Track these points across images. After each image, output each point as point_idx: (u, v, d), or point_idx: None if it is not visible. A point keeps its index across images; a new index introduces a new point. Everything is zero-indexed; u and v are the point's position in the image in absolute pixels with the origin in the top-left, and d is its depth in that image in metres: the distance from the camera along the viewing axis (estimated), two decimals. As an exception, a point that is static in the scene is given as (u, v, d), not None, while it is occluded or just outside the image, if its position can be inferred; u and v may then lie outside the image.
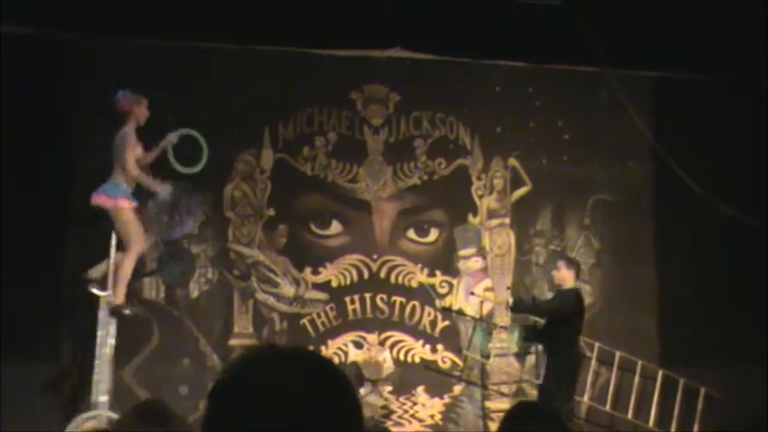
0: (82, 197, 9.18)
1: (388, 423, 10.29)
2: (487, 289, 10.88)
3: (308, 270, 10.53)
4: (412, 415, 10.54)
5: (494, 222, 10.99)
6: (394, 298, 10.65)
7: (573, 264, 10.04)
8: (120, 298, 8.87)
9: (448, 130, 10.99)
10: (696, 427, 10.58)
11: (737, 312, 10.66)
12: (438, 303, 10.74)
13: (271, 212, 10.51)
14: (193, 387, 9.91)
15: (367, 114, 10.84)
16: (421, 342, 10.68)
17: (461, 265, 10.87)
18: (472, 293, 10.81)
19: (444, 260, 10.85)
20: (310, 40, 10.35)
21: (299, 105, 10.67)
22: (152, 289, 10.17)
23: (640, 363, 10.61)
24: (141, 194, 9.12)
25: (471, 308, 10.77)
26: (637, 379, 10.60)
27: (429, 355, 10.69)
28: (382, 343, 10.55)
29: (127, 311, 8.95)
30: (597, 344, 10.45)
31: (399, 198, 10.81)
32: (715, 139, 10.76)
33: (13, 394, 9.11)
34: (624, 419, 10.56)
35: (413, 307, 10.68)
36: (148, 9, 9.65)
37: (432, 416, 10.60)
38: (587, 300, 10.73)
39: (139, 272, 9.66)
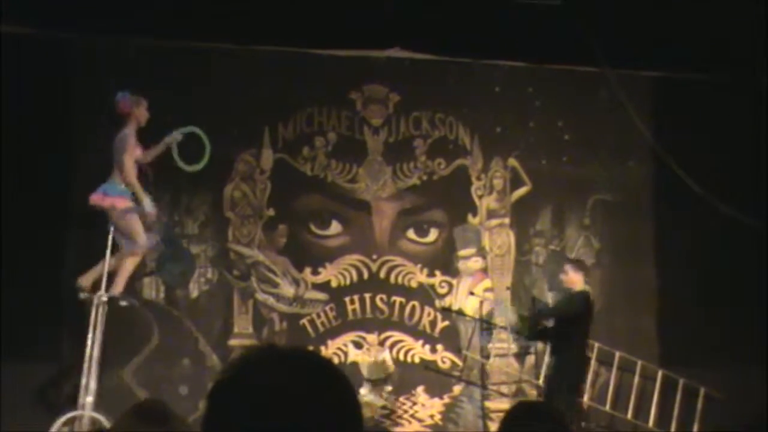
0: (82, 197, 9.17)
1: (388, 423, 10.30)
2: (486, 289, 10.88)
3: (308, 270, 10.53)
4: (412, 415, 10.54)
5: (494, 222, 10.99)
6: (393, 298, 10.65)
7: (580, 266, 10.02)
8: (118, 289, 8.84)
9: (447, 130, 10.99)
10: (696, 427, 10.58)
11: (737, 312, 10.66)
12: (438, 303, 10.74)
13: (271, 212, 10.51)
14: (192, 387, 9.91)
15: (367, 114, 10.84)
16: (420, 342, 10.68)
17: (461, 265, 10.87)
18: (472, 293, 10.81)
19: (444, 260, 10.85)
20: (310, 40, 10.36)
21: (299, 105, 10.67)
22: (152, 289, 10.17)
23: (639, 363, 10.61)
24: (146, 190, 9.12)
25: (470, 308, 10.77)
26: (636, 379, 10.60)
27: (429, 355, 10.69)
28: (381, 343, 10.55)
29: (123, 302, 8.93)
30: (597, 344, 10.45)
31: (399, 198, 10.81)
32: (715, 139, 10.76)
33: (13, 394, 9.11)
34: (624, 419, 10.56)
35: (413, 308, 10.68)
36: (148, 9, 9.65)
37: (432, 416, 10.60)
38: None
39: (139, 272, 9.66)
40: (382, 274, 10.68)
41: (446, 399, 10.66)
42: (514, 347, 10.80)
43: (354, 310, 10.57)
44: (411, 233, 10.84)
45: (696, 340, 10.61)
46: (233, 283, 10.37)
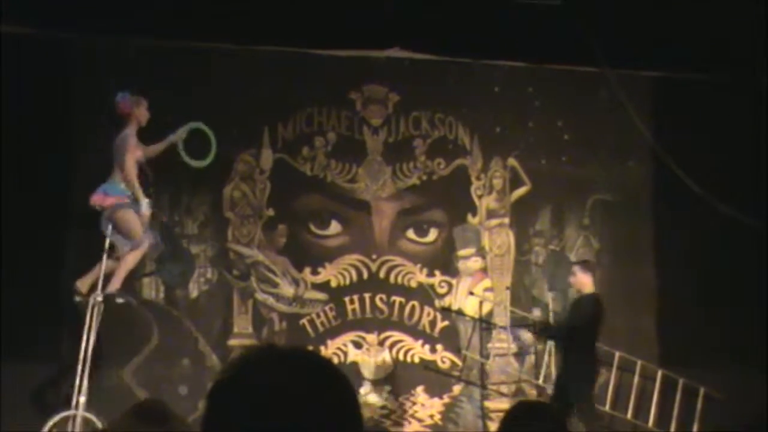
0: (82, 197, 9.17)
1: (388, 423, 10.30)
2: (486, 289, 10.88)
3: (307, 270, 10.53)
4: (412, 415, 10.54)
5: (493, 222, 10.99)
6: (393, 298, 10.65)
7: (589, 267, 10.00)
8: (115, 285, 8.83)
9: (447, 130, 10.99)
10: (695, 428, 10.58)
11: (737, 312, 10.66)
12: (437, 303, 10.74)
13: (271, 212, 10.51)
14: (192, 387, 9.91)
15: (367, 114, 10.84)
16: (420, 342, 10.68)
17: (460, 265, 10.87)
18: (471, 293, 10.81)
19: (443, 260, 10.85)
20: (309, 40, 10.36)
21: (299, 105, 10.67)
22: (152, 289, 10.17)
23: (639, 363, 10.61)
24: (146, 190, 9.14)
25: (470, 308, 10.77)
26: (636, 379, 10.60)
27: (428, 355, 10.69)
28: (381, 343, 10.56)
29: (119, 299, 8.92)
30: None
31: (398, 198, 10.81)
32: (715, 139, 10.76)
33: (13, 394, 9.11)
34: (623, 419, 10.56)
35: (412, 307, 10.68)
36: (148, 9, 9.65)
37: (431, 416, 10.61)
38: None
39: (138, 272, 9.66)
40: (382, 274, 10.68)
41: (446, 399, 10.66)
42: (513, 347, 10.80)
43: (354, 310, 10.58)
44: (411, 233, 10.84)
45: (696, 340, 10.61)
46: (233, 283, 10.37)
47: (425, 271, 10.77)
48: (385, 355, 10.50)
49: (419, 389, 10.60)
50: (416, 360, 10.66)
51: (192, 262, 10.31)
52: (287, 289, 10.43)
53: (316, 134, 10.71)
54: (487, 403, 10.67)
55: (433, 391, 10.63)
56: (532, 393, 10.54)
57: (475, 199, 10.99)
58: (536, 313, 10.76)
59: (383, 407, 10.40)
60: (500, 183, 11.06)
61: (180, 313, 10.21)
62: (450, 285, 10.82)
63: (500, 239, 10.99)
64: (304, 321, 10.47)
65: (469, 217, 10.96)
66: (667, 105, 11.18)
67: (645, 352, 10.77)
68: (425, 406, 10.60)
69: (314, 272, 10.55)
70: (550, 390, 10.37)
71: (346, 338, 10.52)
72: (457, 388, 10.69)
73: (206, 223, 10.42)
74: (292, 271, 10.48)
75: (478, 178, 11.03)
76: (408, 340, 10.65)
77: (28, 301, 9.22)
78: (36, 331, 9.31)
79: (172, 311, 10.19)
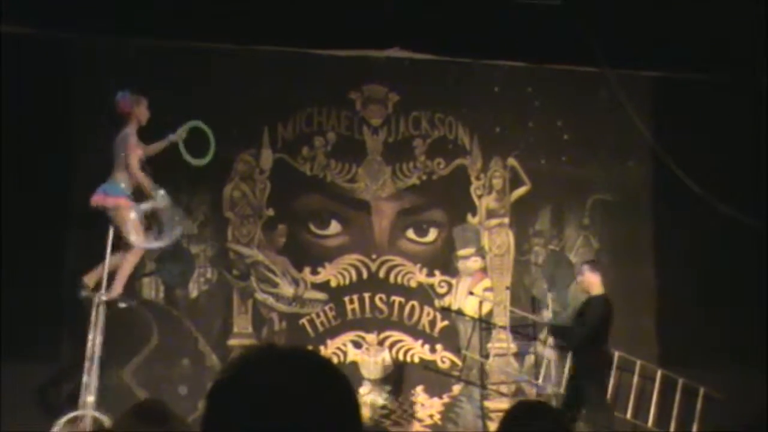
0: (82, 197, 9.17)
1: (388, 423, 10.30)
2: (486, 289, 10.88)
3: (307, 270, 10.53)
4: (412, 415, 10.55)
5: (493, 222, 11.00)
6: (393, 297, 10.65)
7: (597, 267, 9.98)
8: (117, 290, 8.85)
9: (447, 130, 11.00)
10: (695, 428, 10.57)
11: (737, 312, 10.66)
12: (437, 303, 10.74)
13: (271, 212, 10.51)
14: (192, 387, 9.91)
15: (367, 114, 10.84)
16: (420, 342, 10.68)
17: (460, 264, 10.87)
18: (471, 293, 10.82)
19: (443, 260, 10.86)
20: (309, 40, 10.36)
21: (298, 105, 10.67)
22: (151, 289, 10.17)
23: (639, 363, 10.60)
24: (139, 195, 9.13)
25: (470, 308, 10.77)
26: (636, 379, 10.59)
27: (428, 355, 10.69)
28: (381, 343, 10.56)
29: (122, 304, 8.94)
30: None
31: (398, 198, 10.81)
32: (715, 139, 10.77)
33: (13, 394, 9.11)
34: (623, 419, 10.55)
35: (412, 307, 10.68)
36: (148, 9, 9.65)
37: (431, 416, 10.61)
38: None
39: (138, 272, 9.66)
40: (382, 274, 10.68)
41: (446, 399, 10.66)
42: (513, 347, 10.80)
43: (353, 310, 10.58)
44: (410, 233, 10.84)
45: (695, 340, 10.61)
46: (233, 282, 10.37)
47: (425, 271, 10.77)
48: (385, 355, 10.50)
49: (419, 389, 10.60)
50: (416, 360, 10.67)
51: (192, 262, 10.31)
52: (287, 289, 10.43)
53: (315, 134, 10.71)
54: (487, 403, 10.67)
55: (433, 391, 10.63)
56: (531, 393, 10.54)
57: (475, 199, 10.99)
58: (545, 314, 10.72)
59: (383, 407, 10.41)
60: (500, 183, 11.06)
61: (180, 313, 10.21)
62: (450, 285, 10.82)
63: (500, 239, 11.00)
64: (303, 321, 10.47)
65: (469, 217, 10.97)
66: (667, 105, 11.19)
67: (644, 352, 10.77)
68: (425, 405, 10.60)
69: (314, 272, 10.55)
70: (550, 390, 10.38)
71: (346, 338, 10.52)
72: (456, 388, 10.70)
73: (206, 223, 10.42)
74: (291, 271, 10.48)
75: (477, 178, 11.03)
76: (408, 340, 10.66)
77: (28, 301, 9.22)
78: (36, 331, 9.31)
79: (172, 311, 10.19)
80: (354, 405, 1.68)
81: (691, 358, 10.65)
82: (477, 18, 10.30)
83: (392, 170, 10.82)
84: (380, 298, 10.63)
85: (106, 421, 8.12)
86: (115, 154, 8.87)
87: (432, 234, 10.90)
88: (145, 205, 8.78)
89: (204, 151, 9.16)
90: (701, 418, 10.54)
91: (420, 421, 10.56)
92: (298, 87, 10.64)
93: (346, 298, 10.57)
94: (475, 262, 10.91)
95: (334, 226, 10.71)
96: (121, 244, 8.88)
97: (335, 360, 9.87)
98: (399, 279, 10.71)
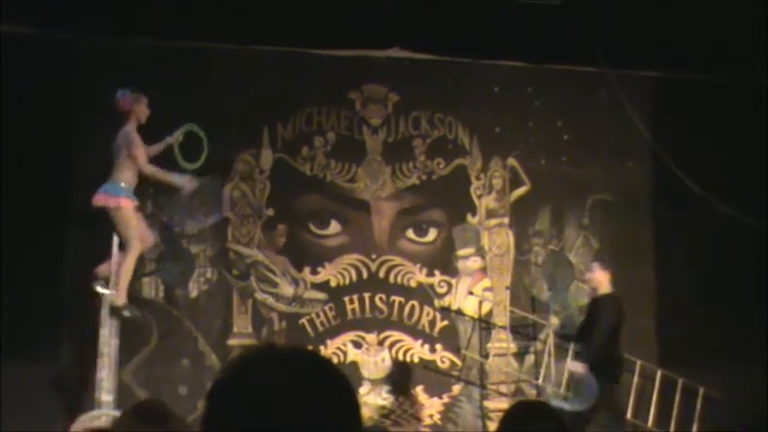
0: (82, 197, 9.18)
1: (387, 423, 10.30)
2: (485, 289, 10.88)
3: (307, 270, 10.53)
4: (411, 415, 10.54)
5: (493, 222, 11.00)
6: (392, 297, 10.65)
7: (607, 265, 9.95)
8: (121, 299, 8.89)
9: (447, 130, 10.99)
10: (695, 428, 10.58)
11: (737, 312, 10.66)
12: (437, 303, 10.74)
13: (270, 212, 10.51)
14: (192, 387, 9.91)
15: (366, 114, 10.84)
16: (419, 342, 10.68)
17: (460, 264, 10.87)
18: (471, 293, 10.82)
19: (443, 260, 10.86)
20: (309, 40, 10.35)
21: (298, 105, 10.67)
22: (151, 289, 10.16)
23: (638, 363, 10.61)
24: (139, 193, 9.15)
25: (470, 308, 10.78)
26: (635, 379, 10.59)
27: (428, 355, 10.69)
28: (381, 343, 10.56)
29: (126, 313, 8.96)
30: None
31: (398, 198, 10.81)
32: (715, 139, 10.77)
33: (13, 394, 9.10)
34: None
35: (412, 307, 10.68)
36: (148, 9, 9.65)
37: (431, 416, 10.61)
38: (586, 300, 10.74)
39: (138, 272, 9.66)
40: (381, 274, 10.68)
41: (445, 399, 10.66)
42: (513, 347, 10.80)
43: (353, 310, 10.58)
44: (410, 233, 10.84)
45: (695, 340, 10.61)
46: (232, 282, 10.36)
47: (425, 270, 10.77)
48: (385, 355, 10.50)
49: (419, 389, 10.60)
50: (416, 360, 10.67)
51: (192, 261, 10.30)
52: (287, 289, 10.43)
53: (315, 134, 10.70)
54: (487, 403, 10.68)
55: (433, 391, 10.63)
56: (531, 393, 10.55)
57: (475, 199, 10.99)
58: (554, 321, 10.66)
59: (383, 407, 10.41)
60: (500, 183, 11.06)
61: (180, 313, 10.20)
62: (449, 285, 10.82)
63: (500, 239, 11.00)
64: (303, 321, 10.46)
65: (469, 217, 10.97)
66: (667, 105, 11.19)
67: (644, 352, 10.77)
68: (425, 405, 10.60)
69: (314, 272, 10.55)
70: (549, 390, 10.38)
71: (346, 338, 10.52)
72: (456, 388, 10.70)
73: (206, 223, 10.41)
74: (291, 270, 10.48)
75: (477, 178, 11.03)
76: (407, 340, 10.66)
77: (28, 301, 9.22)
78: (36, 331, 9.30)
79: (172, 311, 10.19)
80: (354, 405, 1.68)
81: (690, 358, 10.66)
82: (477, 18, 10.30)
83: (392, 170, 10.82)
84: (380, 298, 10.63)
85: None
86: (115, 153, 8.88)
87: (432, 234, 10.90)
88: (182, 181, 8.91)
89: (196, 155, 9.18)
90: (701, 418, 10.54)
91: (419, 420, 10.56)
92: (298, 87, 10.63)
93: (346, 298, 10.56)
94: (474, 262, 10.91)
95: (334, 226, 10.70)
96: (122, 246, 8.91)
97: (335, 360, 9.87)
98: (399, 279, 10.71)
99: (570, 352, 10.33)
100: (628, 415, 10.54)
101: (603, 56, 10.28)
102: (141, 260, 9.53)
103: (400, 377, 10.55)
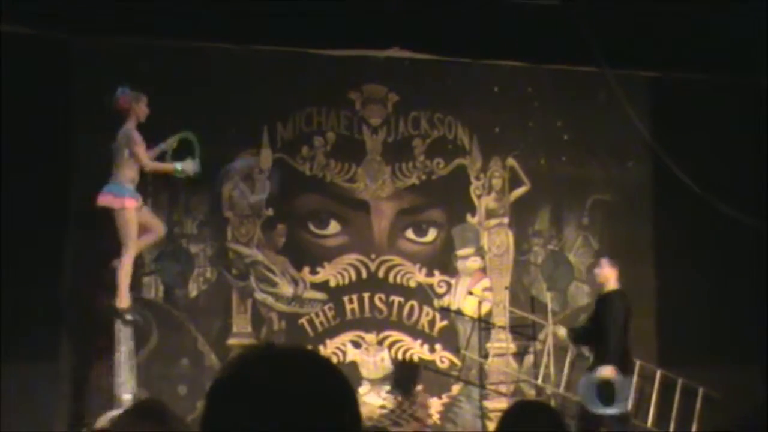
0: (82, 197, 9.18)
1: (387, 423, 10.30)
2: (485, 289, 10.88)
3: (306, 270, 10.53)
4: (411, 415, 10.54)
5: (493, 222, 11.00)
6: (392, 297, 10.65)
7: (617, 262, 9.92)
8: (123, 302, 8.89)
9: (446, 129, 11.00)
10: (694, 428, 10.58)
11: (736, 312, 10.66)
12: (436, 303, 10.74)
13: (270, 212, 10.51)
14: (191, 386, 9.90)
15: (366, 114, 10.84)
16: (419, 342, 10.68)
17: (459, 264, 10.87)
18: (470, 293, 10.82)
19: (442, 260, 10.86)
20: (309, 40, 10.35)
21: (298, 105, 10.66)
22: (151, 289, 10.16)
23: (638, 363, 10.59)
24: (140, 191, 9.16)
25: (469, 308, 10.78)
26: (635, 379, 10.58)
27: (427, 355, 10.69)
28: (380, 343, 10.56)
29: (129, 316, 8.97)
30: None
31: (397, 198, 10.81)
32: (715, 139, 10.77)
33: (13, 394, 9.10)
34: (622, 419, 10.56)
35: (411, 307, 10.68)
36: (148, 9, 9.64)
37: (430, 416, 10.61)
38: (585, 300, 10.76)
39: (138, 272, 9.66)
40: (381, 274, 10.68)
41: (445, 399, 10.66)
42: (512, 347, 10.80)
43: (353, 310, 10.58)
44: (410, 233, 10.84)
45: (694, 339, 10.61)
46: (232, 282, 10.36)
47: (424, 270, 10.77)
48: (384, 355, 10.50)
49: (418, 389, 10.60)
50: (415, 360, 10.67)
51: (191, 261, 10.30)
52: (286, 289, 10.43)
53: (315, 134, 10.70)
54: (486, 403, 10.68)
55: (432, 391, 10.64)
56: (530, 393, 10.55)
57: (474, 199, 11.00)
58: (561, 333, 10.53)
59: (382, 407, 10.41)
60: (499, 183, 11.07)
61: (179, 313, 10.20)
62: (449, 285, 10.82)
63: (499, 239, 11.00)
64: (303, 320, 10.46)
65: (468, 217, 10.97)
66: (667, 105, 11.19)
67: (644, 351, 10.76)
68: (424, 405, 10.60)
69: (313, 272, 10.55)
70: (549, 390, 10.38)
71: (345, 338, 10.52)
72: (455, 388, 10.70)
73: (205, 223, 10.40)
74: (291, 270, 10.48)
75: (477, 178, 11.03)
76: (407, 340, 10.66)
77: (27, 302, 9.22)
78: (35, 331, 9.30)
79: (172, 311, 10.19)
80: (354, 405, 1.68)
81: (690, 358, 10.65)
82: (477, 18, 10.29)
83: (392, 170, 10.82)
84: (379, 298, 10.63)
85: None
86: (115, 153, 8.88)
87: (431, 234, 10.90)
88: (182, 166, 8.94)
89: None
90: (700, 418, 10.54)
91: (419, 420, 10.56)
92: (297, 87, 10.63)
93: (346, 298, 10.57)
94: (474, 262, 10.91)
95: (334, 226, 10.70)
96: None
97: (334, 360, 9.86)
98: (398, 279, 10.71)
99: (568, 353, 10.34)
100: (628, 415, 10.55)
101: (602, 56, 10.27)
102: (141, 260, 9.54)
103: (400, 377, 10.55)
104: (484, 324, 10.76)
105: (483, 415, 10.65)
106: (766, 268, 10.59)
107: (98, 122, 9.47)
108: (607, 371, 9.30)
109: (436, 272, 10.80)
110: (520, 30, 10.32)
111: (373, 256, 10.69)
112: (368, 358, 10.48)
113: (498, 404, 10.45)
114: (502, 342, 10.76)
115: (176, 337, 10.14)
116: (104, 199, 8.81)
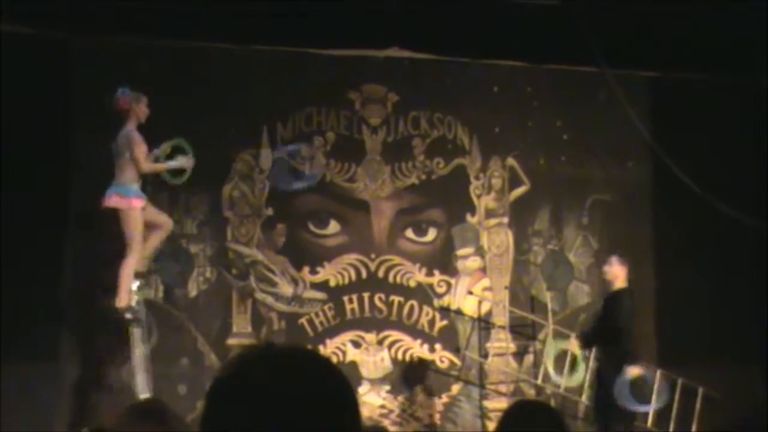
0: (82, 197, 9.18)
1: (387, 423, 10.30)
2: (485, 289, 10.88)
3: (306, 269, 10.53)
4: (410, 415, 10.55)
5: (492, 221, 11.00)
6: (392, 297, 10.65)
7: (626, 260, 9.92)
8: (123, 301, 8.89)
9: (446, 129, 11.00)
10: (694, 427, 10.56)
11: (736, 312, 10.66)
12: (436, 302, 10.74)
13: (270, 212, 10.51)
14: (191, 386, 9.91)
15: (366, 114, 10.84)
16: (419, 341, 10.68)
17: (459, 264, 10.87)
18: (470, 293, 10.82)
19: (442, 260, 10.86)
20: (309, 40, 10.35)
21: (298, 105, 10.67)
22: (151, 289, 10.16)
23: (638, 363, 10.60)
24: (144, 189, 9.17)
25: (469, 308, 10.78)
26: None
27: (427, 355, 10.69)
28: (380, 343, 10.56)
29: (129, 315, 8.97)
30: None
31: (397, 197, 10.81)
32: (715, 139, 10.77)
33: (13, 394, 9.10)
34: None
35: (411, 307, 10.68)
36: (148, 9, 9.64)
37: (430, 415, 10.61)
38: (585, 300, 10.75)
39: (138, 272, 9.65)
40: (381, 274, 10.68)
41: (444, 398, 10.67)
42: (512, 347, 10.81)
43: (352, 310, 10.58)
44: (409, 233, 10.84)
45: (694, 339, 10.61)
46: (232, 282, 10.36)
47: (424, 270, 10.78)
48: (384, 355, 10.50)
49: (418, 389, 10.60)
50: (415, 359, 10.67)
51: (191, 261, 10.31)
52: (286, 289, 10.43)
53: (315, 134, 10.71)
54: (486, 403, 10.68)
55: (432, 391, 10.63)
56: (530, 392, 10.55)
57: (474, 199, 11.00)
58: (576, 348, 10.51)
59: (382, 407, 10.41)
60: (499, 183, 11.07)
61: (179, 313, 10.20)
62: (449, 284, 10.82)
63: (499, 239, 11.00)
64: (302, 320, 10.47)
65: (468, 217, 10.97)
66: (667, 105, 11.19)
67: (644, 351, 10.75)
68: (424, 405, 10.60)
69: (313, 272, 10.55)
70: (549, 390, 10.38)
71: (345, 338, 10.52)
72: (455, 388, 10.70)
73: (205, 223, 10.41)
74: (291, 270, 10.48)
75: (477, 178, 11.04)
76: (407, 340, 10.66)
77: (27, 301, 9.22)
78: (36, 331, 9.30)
79: (171, 310, 10.19)
80: (354, 405, 1.68)
81: (689, 357, 10.65)
82: (476, 18, 10.29)
83: (391, 170, 10.82)
84: (379, 298, 10.63)
85: None
86: (117, 154, 8.87)
87: (431, 234, 10.90)
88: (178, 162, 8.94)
89: (182, 171, 9.17)
90: (700, 418, 10.53)
91: (419, 420, 10.56)
92: (297, 87, 10.63)
93: (345, 298, 10.57)
94: (474, 262, 10.92)
95: (333, 226, 10.71)
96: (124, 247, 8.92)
97: (334, 359, 9.85)
98: (398, 279, 10.71)
99: (568, 352, 10.34)
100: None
101: (602, 56, 10.27)
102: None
103: (400, 377, 10.55)
104: (484, 324, 10.76)
105: (483, 414, 10.65)
106: (766, 268, 10.59)
107: (98, 122, 9.46)
108: (636, 370, 9.43)
109: (436, 272, 10.81)
110: (520, 30, 10.32)
111: (372, 256, 10.69)
112: (368, 357, 10.48)
113: (498, 404, 10.45)
114: (501, 342, 10.77)
115: (176, 337, 10.14)
116: (111, 201, 8.78)
